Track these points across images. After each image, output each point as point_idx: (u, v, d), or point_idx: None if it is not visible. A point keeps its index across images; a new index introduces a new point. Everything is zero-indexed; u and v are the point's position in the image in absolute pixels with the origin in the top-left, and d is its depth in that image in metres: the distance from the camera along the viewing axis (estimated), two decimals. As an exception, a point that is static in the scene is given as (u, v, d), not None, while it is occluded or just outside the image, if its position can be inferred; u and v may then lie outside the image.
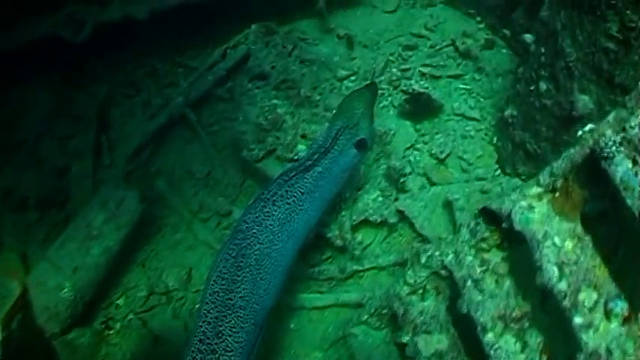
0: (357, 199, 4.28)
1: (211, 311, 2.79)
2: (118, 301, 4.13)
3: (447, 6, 5.53)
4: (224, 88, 5.03)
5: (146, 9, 4.93)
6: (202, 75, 5.13)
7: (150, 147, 4.90)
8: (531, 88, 4.00)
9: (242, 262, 2.89)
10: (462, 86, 5.04)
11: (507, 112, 4.38)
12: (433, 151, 4.64)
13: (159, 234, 4.66)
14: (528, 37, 4.07)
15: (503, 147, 4.57)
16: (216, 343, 2.73)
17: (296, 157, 4.46)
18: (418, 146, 4.72)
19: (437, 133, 4.76)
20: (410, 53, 5.22)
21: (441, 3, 5.55)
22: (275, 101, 4.60)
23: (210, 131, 4.99)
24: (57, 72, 5.18)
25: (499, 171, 4.60)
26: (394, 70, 4.94)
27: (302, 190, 3.17)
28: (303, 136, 4.52)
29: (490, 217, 2.87)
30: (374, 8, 5.56)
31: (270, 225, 3.03)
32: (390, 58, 5.06)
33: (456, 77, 5.08)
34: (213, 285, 2.83)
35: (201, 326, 2.77)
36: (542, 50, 3.81)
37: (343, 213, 4.20)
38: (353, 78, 5.04)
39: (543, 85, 3.87)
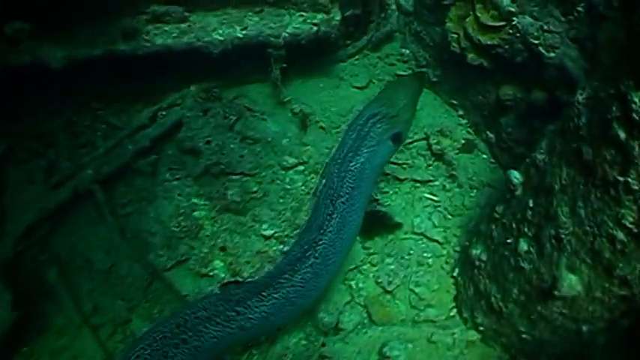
0: (274, 341, 3.50)
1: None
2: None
3: (427, 89, 4.67)
4: (146, 161, 4.13)
5: (62, 55, 4.03)
6: (123, 141, 4.24)
7: (47, 225, 4.02)
8: (508, 239, 3.28)
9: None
10: (428, 196, 4.23)
11: (475, 252, 3.61)
12: (380, 279, 3.85)
13: (41, 337, 3.84)
14: (515, 178, 3.25)
15: (464, 286, 3.79)
16: None
17: (211, 273, 3.65)
18: (364, 268, 3.93)
19: (389, 256, 3.96)
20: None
21: (420, 82, 4.71)
22: (195, 200, 3.77)
23: (122, 213, 4.14)
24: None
25: (455, 311, 3.81)
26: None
27: (352, 185, 2.96)
28: (223, 249, 3.70)
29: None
30: (341, 81, 4.71)
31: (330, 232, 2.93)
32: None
33: (423, 183, 4.28)
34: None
35: None
36: (531, 203, 3.06)
37: (255, 358, 3.43)
38: (301, 168, 4.21)
39: (524, 245, 3.13)
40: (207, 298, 2.82)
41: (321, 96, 4.57)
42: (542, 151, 3.01)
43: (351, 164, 2.97)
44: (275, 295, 2.77)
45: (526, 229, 3.11)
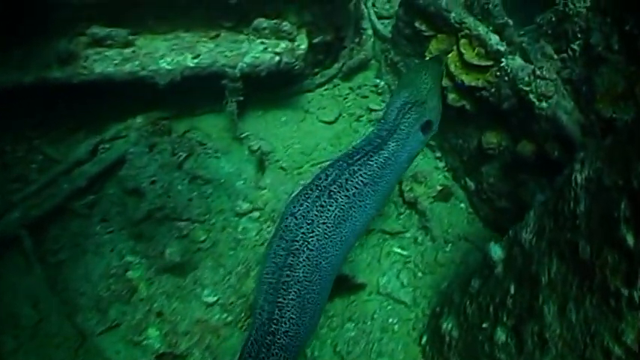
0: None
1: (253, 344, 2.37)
2: None
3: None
4: (82, 203, 3.66)
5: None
6: (58, 178, 3.76)
7: (-35, 273, 3.55)
8: (484, 324, 2.85)
9: (288, 276, 2.36)
10: (397, 250, 3.79)
11: (445, 326, 3.20)
12: (339, 347, 3.42)
13: (-48, 402, 3.40)
14: (495, 254, 2.81)
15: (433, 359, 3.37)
16: None
17: (145, 342, 3.21)
18: (321, 332, 3.49)
19: (349, 320, 3.52)
20: (340, 187, 3.91)
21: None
22: (129, 258, 3.31)
23: (53, 261, 3.65)
24: None
25: (422, 386, 3.41)
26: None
27: (364, 180, 2.54)
28: (159, 315, 3.25)
29: None
30: (307, 114, 4.23)
31: (324, 224, 2.42)
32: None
33: (393, 234, 3.82)
34: (259, 314, 2.39)
35: None
36: (512, 290, 2.64)
37: None
38: (255, 215, 3.75)
39: (501, 335, 2.72)
40: None
41: (283, 131, 4.12)
42: (529, 229, 2.56)
43: (373, 158, 2.61)
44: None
45: (505, 318, 2.68)
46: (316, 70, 4.28)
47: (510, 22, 3.43)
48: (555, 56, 3.25)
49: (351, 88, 4.36)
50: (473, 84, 3.48)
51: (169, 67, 3.65)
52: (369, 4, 4.56)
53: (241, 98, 3.84)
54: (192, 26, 3.83)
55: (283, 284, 2.36)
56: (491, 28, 3.43)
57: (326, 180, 2.50)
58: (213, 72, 3.72)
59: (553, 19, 3.28)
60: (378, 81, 4.38)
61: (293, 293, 2.36)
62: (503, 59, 3.36)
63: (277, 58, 3.74)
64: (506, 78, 3.34)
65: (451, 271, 3.70)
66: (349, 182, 2.50)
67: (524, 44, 3.41)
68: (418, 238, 3.81)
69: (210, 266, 3.38)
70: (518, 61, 3.34)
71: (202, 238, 3.59)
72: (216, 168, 3.92)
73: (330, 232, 2.43)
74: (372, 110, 4.19)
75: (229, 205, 3.77)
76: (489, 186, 3.73)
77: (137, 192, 3.73)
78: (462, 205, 3.94)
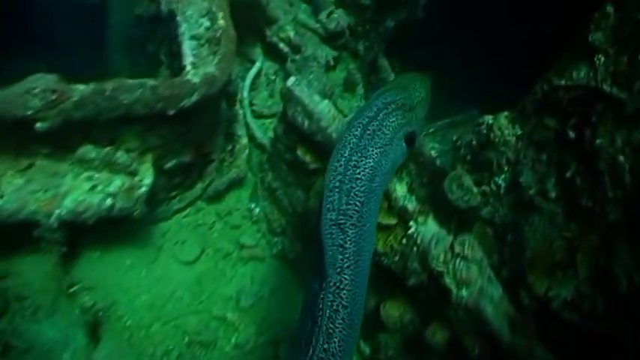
0: None
1: None
2: None
3: (281, 262, 3.39)
4: None
5: None
6: None
7: None
8: None
9: None
10: None
11: None
12: None
13: None
14: None
15: None
16: None
17: None
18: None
19: None
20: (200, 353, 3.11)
21: (274, 257, 3.40)
22: None
23: None
24: None
25: None
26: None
27: (361, 199, 2.21)
28: None
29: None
30: (160, 253, 3.31)
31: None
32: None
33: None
34: None
35: None
36: None
37: None
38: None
39: None
40: None
41: (127, 278, 3.22)
42: None
43: (358, 170, 2.24)
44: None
45: None
46: (173, 193, 3.37)
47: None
48: (475, 189, 2.60)
49: (218, 214, 3.45)
50: (371, 246, 2.73)
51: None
52: (246, 102, 3.66)
53: (64, 249, 2.92)
54: (-3, 153, 2.85)
55: None
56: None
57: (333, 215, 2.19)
58: (20, 221, 2.78)
59: (474, 142, 2.59)
60: (252, 206, 3.48)
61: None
62: (411, 223, 2.62)
63: (109, 201, 2.82)
64: (414, 249, 2.62)
65: None
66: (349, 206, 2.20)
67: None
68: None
69: None
70: (432, 227, 2.62)
71: None
72: (35, 334, 2.99)
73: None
74: (243, 246, 3.34)
75: (51, 394, 2.89)
76: (387, 358, 3.01)
77: None
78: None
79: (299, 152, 3.00)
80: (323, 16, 3.79)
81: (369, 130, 2.31)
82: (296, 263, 3.31)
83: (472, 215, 2.68)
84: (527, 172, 2.38)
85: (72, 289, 3.08)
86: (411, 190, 2.77)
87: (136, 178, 2.92)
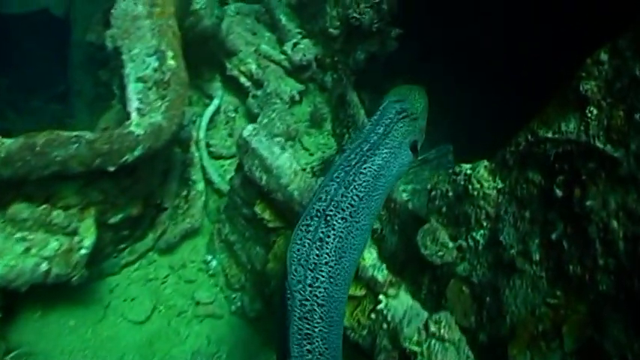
0: None
1: None
2: None
3: (240, 320, 3.14)
4: None
5: None
6: None
7: None
8: None
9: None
10: None
11: None
12: None
13: None
14: None
15: None
16: None
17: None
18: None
19: None
20: None
21: (233, 314, 3.15)
22: None
23: None
24: None
25: None
26: None
27: (359, 194, 2.08)
28: None
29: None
30: (107, 310, 3.05)
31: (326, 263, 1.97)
32: None
33: None
34: None
35: None
36: None
37: None
38: None
39: None
40: None
41: (71, 340, 2.97)
42: None
43: (365, 166, 2.15)
44: None
45: None
46: (122, 245, 3.11)
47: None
48: (450, 244, 2.47)
49: (171, 267, 3.20)
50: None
51: None
52: (202, 144, 3.38)
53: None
54: None
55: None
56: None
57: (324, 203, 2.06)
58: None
59: (450, 194, 2.47)
60: (209, 258, 3.23)
61: None
62: (381, 297, 2.44)
63: (44, 266, 2.56)
64: (384, 325, 2.43)
65: None
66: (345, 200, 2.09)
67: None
68: None
69: None
70: (404, 301, 2.43)
71: None
72: (-32, 410, 2.74)
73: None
74: (199, 303, 3.08)
75: None
76: None
77: None
78: None
79: (257, 209, 2.77)
80: (288, 47, 3.55)
81: (386, 130, 2.30)
82: (257, 320, 3.07)
83: (447, 271, 2.50)
84: (508, 230, 2.24)
85: (9, 356, 2.82)
86: (382, 258, 2.55)
87: (76, 239, 2.65)
